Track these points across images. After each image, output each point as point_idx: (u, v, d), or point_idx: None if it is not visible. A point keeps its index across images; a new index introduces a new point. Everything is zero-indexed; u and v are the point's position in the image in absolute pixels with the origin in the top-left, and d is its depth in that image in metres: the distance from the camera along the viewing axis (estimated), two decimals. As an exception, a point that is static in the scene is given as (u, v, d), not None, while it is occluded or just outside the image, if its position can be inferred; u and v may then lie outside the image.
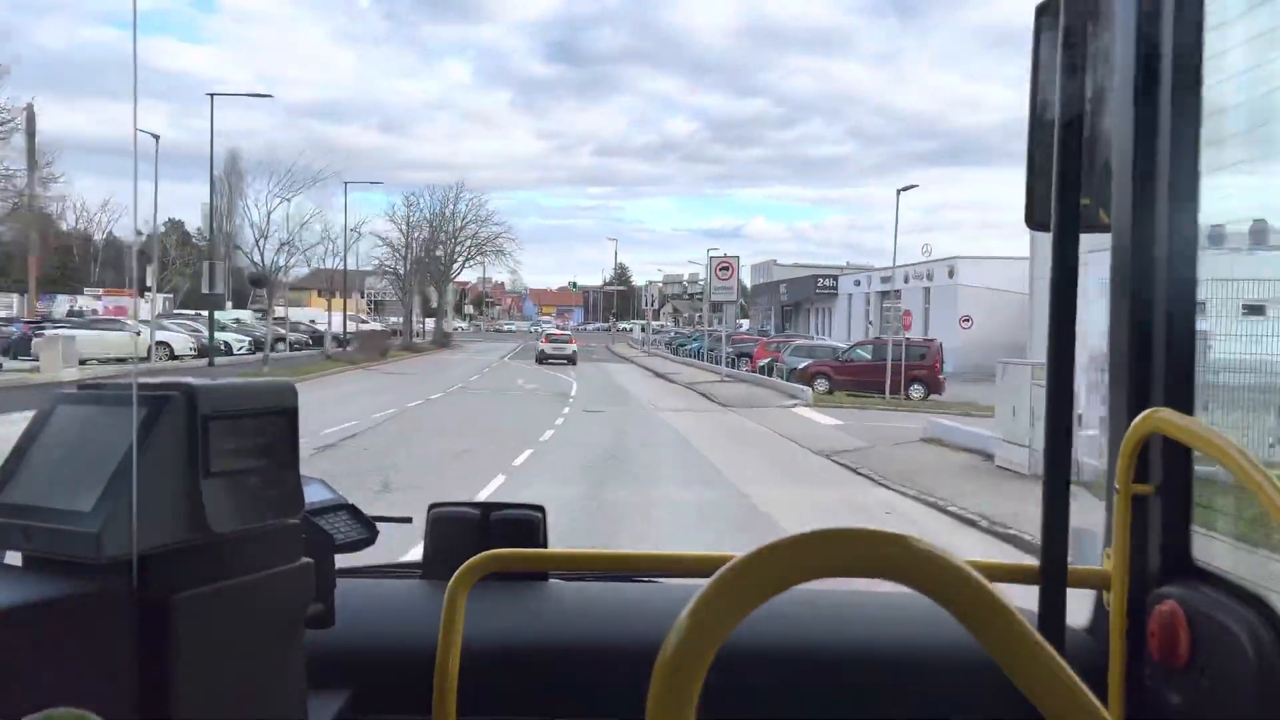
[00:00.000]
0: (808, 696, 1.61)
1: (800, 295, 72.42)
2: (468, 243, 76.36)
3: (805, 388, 30.10)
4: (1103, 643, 1.51)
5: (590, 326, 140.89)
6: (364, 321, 67.69)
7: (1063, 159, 1.33)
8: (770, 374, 36.87)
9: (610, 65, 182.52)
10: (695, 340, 59.35)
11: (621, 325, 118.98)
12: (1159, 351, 1.44)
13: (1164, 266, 1.42)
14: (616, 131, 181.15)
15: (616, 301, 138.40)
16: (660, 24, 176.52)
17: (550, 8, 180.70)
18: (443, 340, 70.41)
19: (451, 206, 75.01)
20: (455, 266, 77.37)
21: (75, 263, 74.67)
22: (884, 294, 59.89)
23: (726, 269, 40.41)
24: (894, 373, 30.16)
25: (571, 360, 47.56)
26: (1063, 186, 1.34)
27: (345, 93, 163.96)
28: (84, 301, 57.28)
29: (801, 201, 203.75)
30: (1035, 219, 1.45)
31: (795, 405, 27.46)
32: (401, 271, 71.01)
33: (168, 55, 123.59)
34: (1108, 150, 1.46)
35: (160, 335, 36.43)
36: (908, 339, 31.68)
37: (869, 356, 33.85)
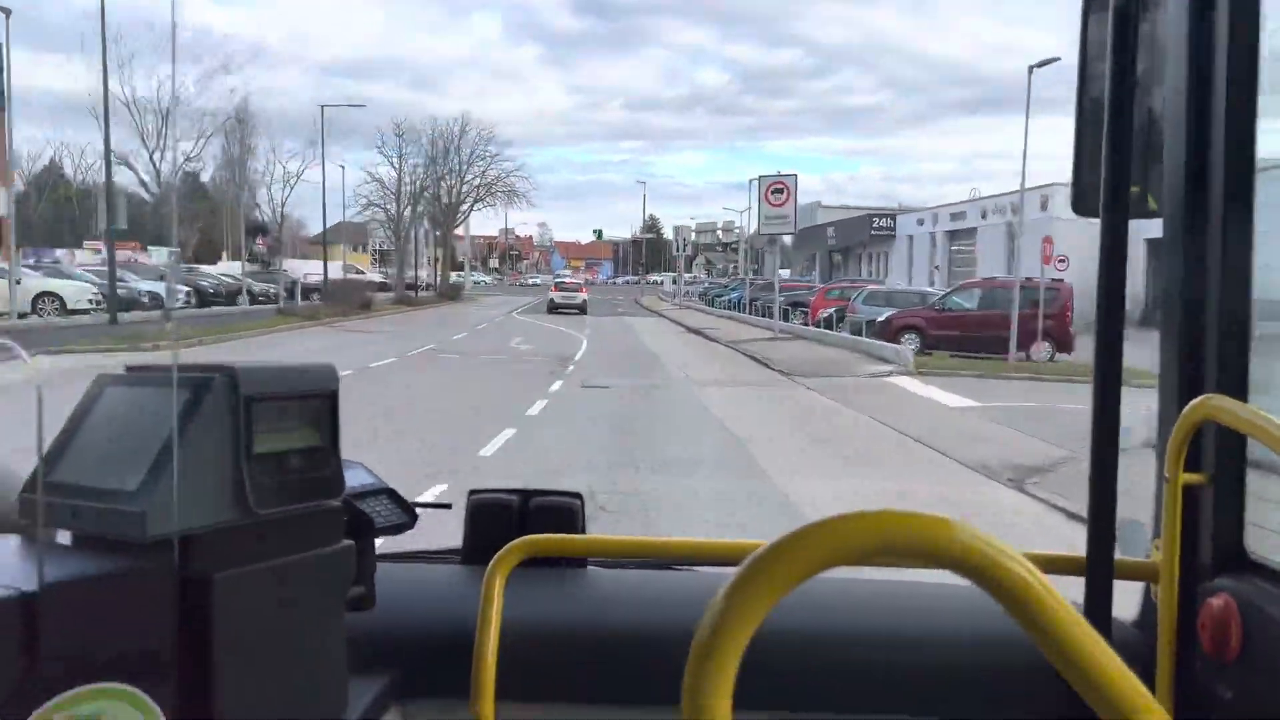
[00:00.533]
0: (846, 684, 1.60)
1: (851, 239, 64.61)
2: (475, 181, 68.32)
3: (897, 347, 21.73)
4: (1151, 636, 1.48)
5: (619, 280, 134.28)
6: (359, 273, 59.90)
7: (1112, 144, 1.32)
8: (833, 328, 28.54)
9: (640, 17, 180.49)
10: (734, 290, 51.22)
11: (652, 278, 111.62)
12: (1211, 337, 1.43)
13: (1217, 252, 1.40)
14: (647, 85, 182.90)
15: (646, 253, 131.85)
16: None
17: None
18: (451, 293, 62.72)
19: (456, 140, 66.96)
20: (464, 209, 69.12)
21: (76, 214, 68.17)
22: (953, 234, 51.61)
23: (780, 191, 31.68)
24: (1009, 325, 21.77)
25: (581, 309, 46.79)
26: (1112, 172, 1.32)
27: (374, 50, 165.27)
28: (82, 256, 52.48)
29: (835, 153, 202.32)
30: (1084, 205, 1.43)
31: (890, 373, 19.15)
32: (393, 211, 62.80)
33: (193, 12, 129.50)
34: (1159, 136, 1.45)
35: (54, 284, 28.54)
36: (1028, 281, 23.16)
37: (972, 305, 25.41)
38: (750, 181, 39.25)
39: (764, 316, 34.33)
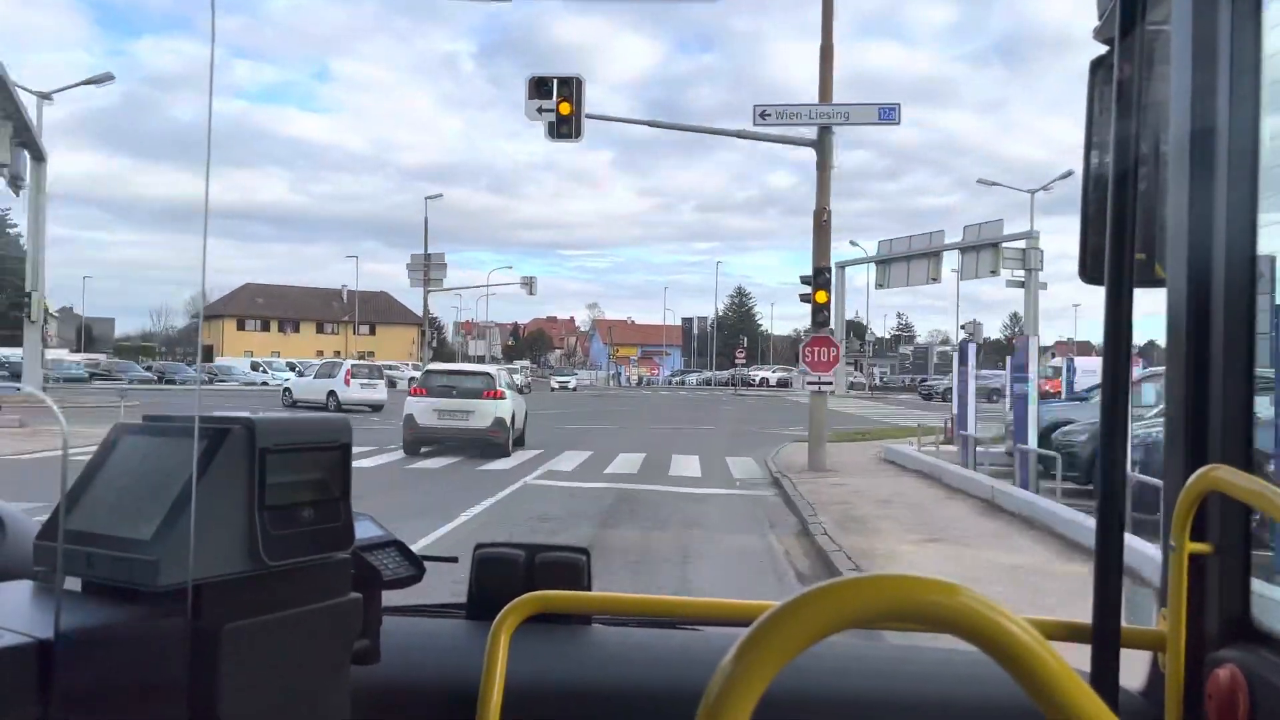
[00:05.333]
0: None
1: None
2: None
3: None
4: (1158, 706, 1.51)
5: (692, 377, 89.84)
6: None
7: (1117, 213, 1.36)
8: None
9: (709, 122, 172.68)
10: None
11: (760, 373, 75.11)
12: (1216, 407, 1.48)
13: (1220, 322, 1.46)
14: (717, 187, 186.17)
15: (720, 338, 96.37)
16: (758, 79, 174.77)
17: (648, 67, 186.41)
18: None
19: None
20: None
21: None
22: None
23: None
24: None
25: (496, 442, 19.71)
26: (1117, 241, 1.36)
27: (454, 156, 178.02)
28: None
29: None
30: (1089, 273, 1.52)
31: None
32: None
33: (290, 123, 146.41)
34: (1163, 205, 1.53)
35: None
36: None
37: None
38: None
39: None
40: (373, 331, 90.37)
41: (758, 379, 70.58)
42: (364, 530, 1.47)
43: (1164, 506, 1.52)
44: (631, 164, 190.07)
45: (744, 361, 60.41)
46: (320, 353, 63.50)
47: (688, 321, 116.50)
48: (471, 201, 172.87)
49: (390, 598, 1.54)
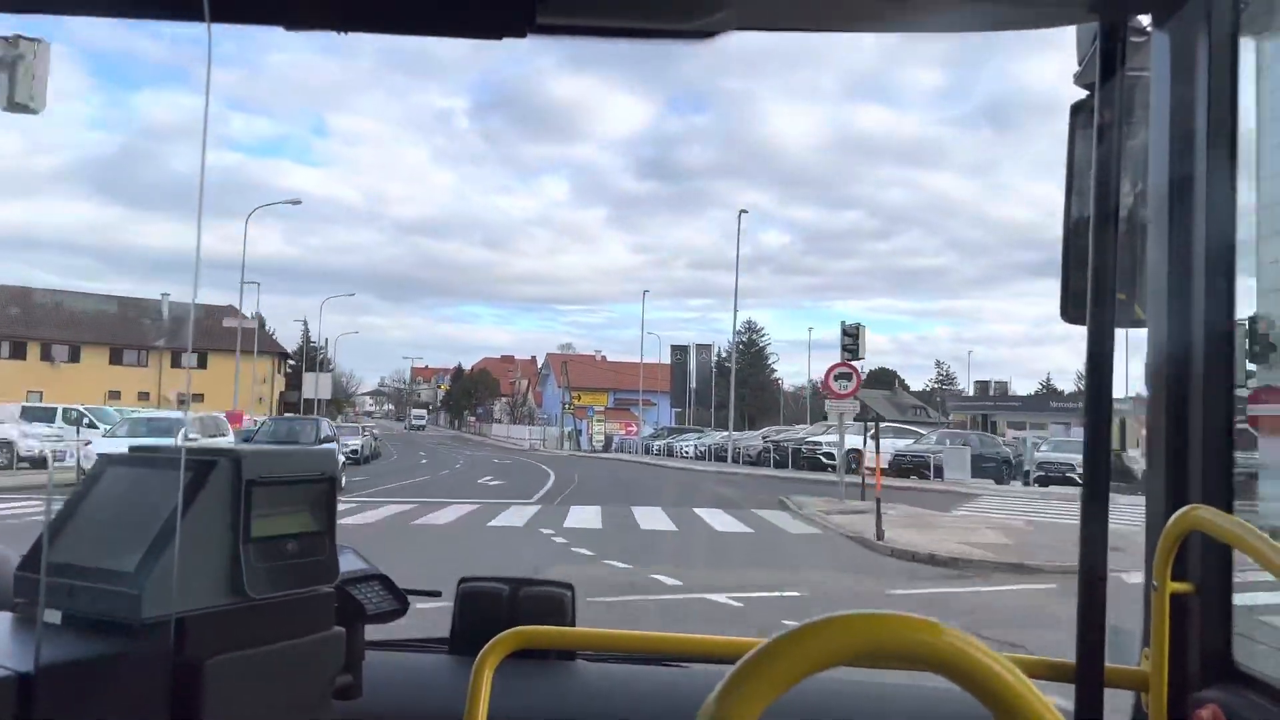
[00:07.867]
0: None
1: None
2: None
3: None
4: None
5: (690, 440, 55.13)
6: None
7: (1098, 254, 1.41)
8: None
9: (701, 180, 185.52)
10: None
11: (820, 438, 38.19)
12: (1196, 447, 1.51)
13: (1200, 362, 1.50)
14: (710, 244, 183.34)
15: (723, 385, 62.50)
16: (750, 139, 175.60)
17: (641, 126, 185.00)
18: None
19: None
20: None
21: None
22: None
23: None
24: None
25: None
26: (1098, 281, 1.41)
27: (448, 210, 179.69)
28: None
29: (903, 314, 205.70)
30: (1070, 314, 1.54)
31: None
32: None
33: (284, 176, 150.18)
34: (1143, 246, 1.57)
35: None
36: None
37: None
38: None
39: None
40: (203, 364, 57.06)
41: (819, 448, 36.73)
42: (348, 563, 1.47)
43: (1146, 546, 1.54)
44: (624, 220, 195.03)
45: (857, 408, 24.53)
46: (116, 394, 43.58)
47: (680, 355, 78.55)
48: (465, 255, 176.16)
49: (373, 631, 1.55)
